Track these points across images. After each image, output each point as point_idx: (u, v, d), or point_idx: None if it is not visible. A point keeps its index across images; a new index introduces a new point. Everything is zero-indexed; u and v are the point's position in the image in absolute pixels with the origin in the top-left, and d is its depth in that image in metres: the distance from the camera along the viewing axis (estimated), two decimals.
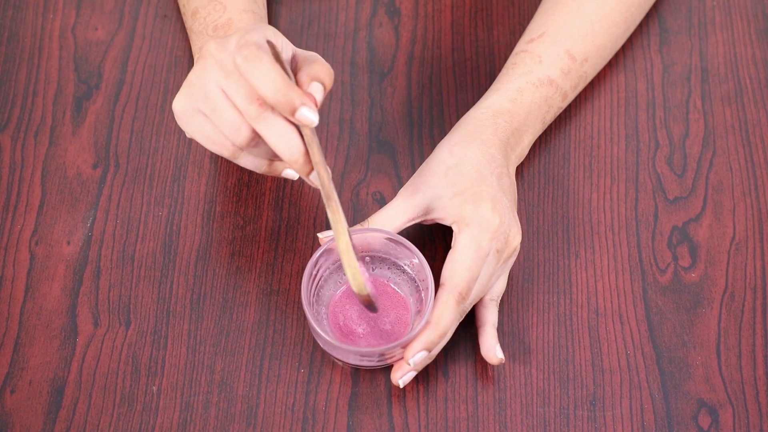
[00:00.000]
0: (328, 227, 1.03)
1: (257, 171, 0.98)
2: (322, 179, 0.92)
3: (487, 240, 0.95)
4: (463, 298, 0.94)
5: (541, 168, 1.08)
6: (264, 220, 1.05)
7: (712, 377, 0.96)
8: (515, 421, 0.95)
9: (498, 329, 0.99)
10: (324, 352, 0.99)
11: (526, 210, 1.05)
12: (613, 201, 1.06)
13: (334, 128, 1.10)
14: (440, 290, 0.94)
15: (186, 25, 1.12)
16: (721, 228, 1.04)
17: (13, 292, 1.02)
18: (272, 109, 0.91)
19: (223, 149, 0.95)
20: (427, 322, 0.93)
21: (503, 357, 0.96)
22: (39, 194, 1.07)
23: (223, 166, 1.09)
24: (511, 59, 1.07)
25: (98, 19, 1.18)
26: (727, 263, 1.02)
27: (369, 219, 0.98)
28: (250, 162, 0.97)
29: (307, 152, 0.92)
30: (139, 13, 1.18)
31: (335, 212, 0.92)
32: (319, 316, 0.97)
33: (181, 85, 1.13)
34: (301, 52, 0.96)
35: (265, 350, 0.99)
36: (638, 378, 0.96)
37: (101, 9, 1.19)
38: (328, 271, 0.98)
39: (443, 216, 0.97)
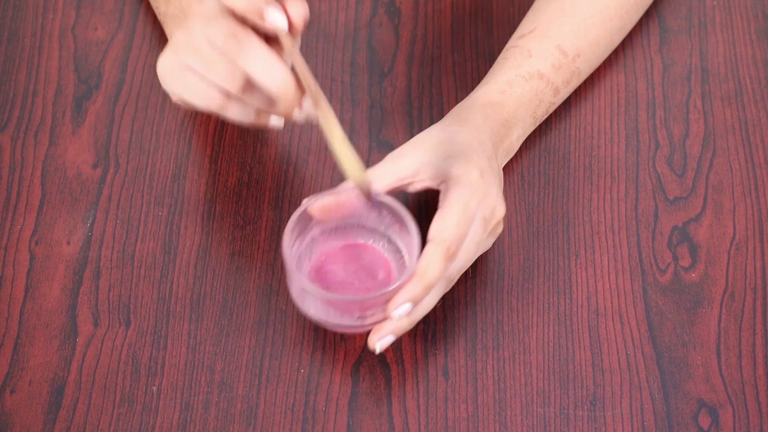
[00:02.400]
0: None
1: (244, 122, 0.97)
2: (308, 83, 0.91)
3: (475, 202, 0.94)
4: (450, 253, 0.92)
5: (541, 168, 1.08)
6: (264, 220, 1.05)
7: (712, 377, 0.96)
8: (515, 421, 0.95)
9: (498, 329, 0.99)
10: (324, 351, 0.99)
11: (526, 210, 1.05)
12: (613, 201, 1.06)
13: None
14: (427, 245, 0.93)
15: (159, 12, 1.12)
16: (722, 228, 1.04)
17: (12, 292, 1.02)
18: (251, 40, 0.91)
19: (212, 102, 0.95)
20: (412, 275, 0.92)
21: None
22: (39, 194, 1.07)
23: (223, 166, 1.09)
24: (502, 54, 1.08)
25: (98, 19, 1.18)
26: (728, 263, 1.02)
27: None
28: (238, 113, 0.96)
29: (296, 85, 0.91)
30: (139, 13, 1.18)
31: (325, 110, 0.92)
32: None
33: None
34: None
35: (265, 350, 0.99)
36: (638, 378, 0.97)
37: (101, 9, 1.19)
38: (312, 234, 0.98)
39: (432, 176, 0.97)
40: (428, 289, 0.92)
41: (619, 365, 0.97)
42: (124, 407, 0.96)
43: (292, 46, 0.92)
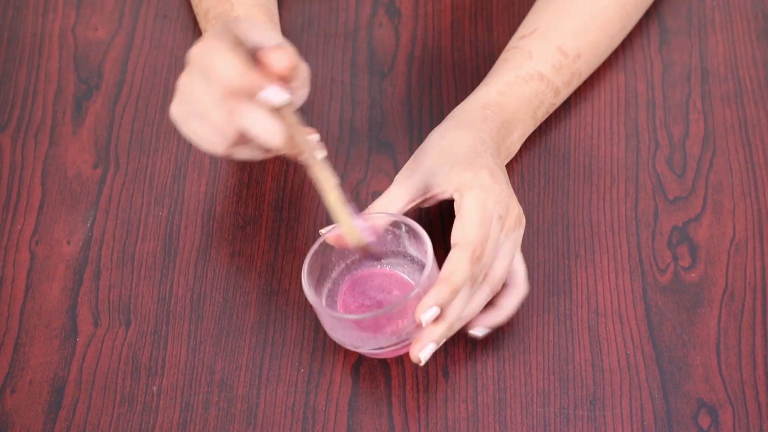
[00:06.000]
0: (328, 222, 1.03)
1: (255, 159, 0.98)
2: (300, 139, 0.91)
3: (491, 202, 0.95)
4: (477, 256, 0.92)
5: (541, 168, 1.08)
6: (264, 220, 1.05)
7: (712, 377, 0.97)
8: (515, 421, 0.95)
9: (498, 329, 0.99)
10: (324, 351, 0.99)
11: (526, 210, 1.05)
12: (612, 201, 1.06)
13: (334, 128, 1.11)
14: (452, 249, 0.93)
15: (200, 27, 1.12)
16: (721, 228, 1.04)
17: (13, 292, 1.02)
18: (245, 100, 0.91)
19: (218, 148, 0.96)
20: (438, 279, 0.92)
21: (479, 335, 0.96)
22: (39, 194, 1.07)
23: (223, 166, 1.09)
24: (503, 55, 1.08)
25: (98, 19, 1.18)
26: (727, 263, 1.02)
27: (368, 207, 0.98)
28: (246, 154, 0.97)
29: (290, 138, 0.91)
30: (139, 13, 1.18)
31: (321, 169, 0.92)
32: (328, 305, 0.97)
33: None
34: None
35: (265, 350, 0.99)
36: (638, 378, 0.97)
37: (101, 9, 1.19)
38: (336, 272, 0.98)
39: (443, 189, 0.97)
40: (455, 292, 0.92)
41: (619, 365, 0.97)
42: (124, 407, 0.96)
43: (286, 107, 0.92)
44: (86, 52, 1.16)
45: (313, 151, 0.91)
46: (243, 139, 0.95)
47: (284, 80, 0.91)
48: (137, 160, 1.09)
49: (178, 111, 0.96)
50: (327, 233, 0.96)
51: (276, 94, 0.90)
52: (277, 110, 0.91)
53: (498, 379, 0.97)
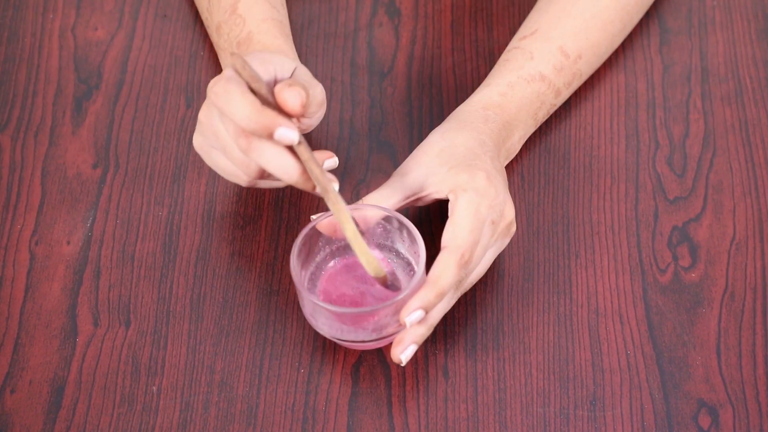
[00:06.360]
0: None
1: (279, 187, 1.00)
2: (314, 174, 0.91)
3: (485, 206, 0.95)
4: (465, 261, 0.93)
5: (541, 168, 1.08)
6: (264, 220, 1.05)
7: (712, 377, 0.96)
8: (515, 421, 0.95)
9: (498, 329, 0.99)
10: (324, 351, 0.99)
11: (526, 210, 1.05)
12: (613, 201, 1.06)
13: (334, 128, 1.10)
14: (441, 252, 0.93)
15: (212, 41, 1.12)
16: (721, 228, 1.04)
17: (13, 292, 1.02)
18: (260, 139, 0.91)
19: (240, 180, 0.97)
20: (423, 281, 0.92)
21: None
22: (39, 194, 1.07)
23: None
24: (503, 56, 1.08)
25: (98, 19, 1.18)
26: (727, 263, 1.02)
27: (363, 199, 0.98)
28: (269, 185, 0.99)
29: (304, 171, 0.91)
30: (139, 13, 1.18)
31: (335, 203, 0.92)
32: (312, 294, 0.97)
33: (181, 86, 1.13)
34: (303, 74, 0.96)
35: (265, 350, 0.99)
36: (638, 378, 0.97)
37: (101, 9, 1.19)
38: (321, 256, 0.98)
39: (438, 189, 0.97)
40: (441, 296, 0.92)
41: (619, 365, 0.97)
42: (124, 407, 0.96)
43: (298, 145, 0.91)
44: (86, 52, 1.16)
45: (327, 185, 0.92)
46: (264, 174, 0.95)
47: (298, 115, 0.91)
48: (137, 160, 1.09)
49: (200, 143, 0.98)
50: (318, 219, 0.96)
51: (286, 135, 0.90)
52: (290, 146, 0.91)
53: (498, 379, 0.97)
